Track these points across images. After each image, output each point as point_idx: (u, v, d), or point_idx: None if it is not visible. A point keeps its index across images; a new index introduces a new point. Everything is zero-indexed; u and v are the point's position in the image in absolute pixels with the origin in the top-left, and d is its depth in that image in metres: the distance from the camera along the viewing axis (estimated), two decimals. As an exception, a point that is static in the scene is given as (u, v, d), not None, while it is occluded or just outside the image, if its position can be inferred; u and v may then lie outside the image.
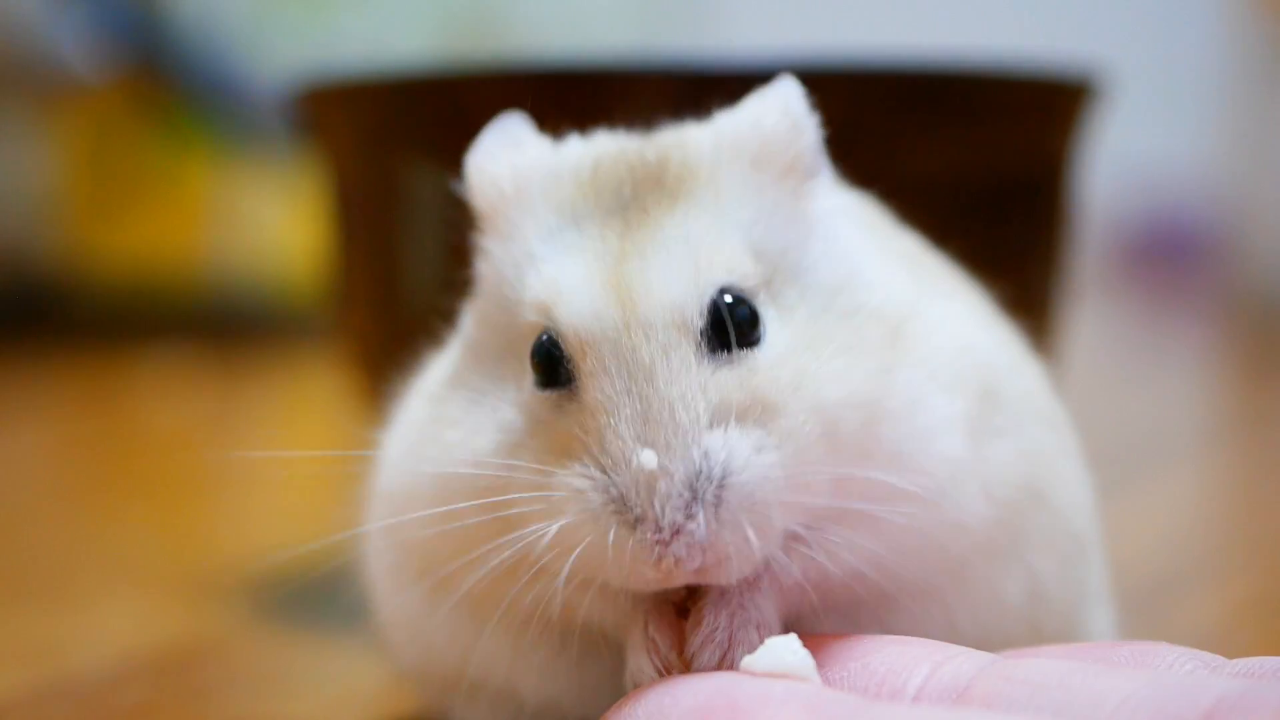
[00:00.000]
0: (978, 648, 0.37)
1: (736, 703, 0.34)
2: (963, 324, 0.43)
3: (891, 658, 0.37)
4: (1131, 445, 1.01)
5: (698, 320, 0.37)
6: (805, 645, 0.36)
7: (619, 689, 0.39)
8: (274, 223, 1.63)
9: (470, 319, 0.43)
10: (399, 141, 0.62)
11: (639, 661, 0.38)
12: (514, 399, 0.40)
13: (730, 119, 0.41)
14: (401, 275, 0.63)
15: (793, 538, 0.37)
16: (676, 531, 0.36)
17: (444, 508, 0.39)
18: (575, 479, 0.37)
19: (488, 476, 0.38)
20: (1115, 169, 1.34)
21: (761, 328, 0.38)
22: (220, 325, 1.61)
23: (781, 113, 0.41)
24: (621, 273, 0.38)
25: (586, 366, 0.37)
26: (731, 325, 0.38)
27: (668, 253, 0.38)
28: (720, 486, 0.36)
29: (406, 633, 0.45)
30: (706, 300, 0.38)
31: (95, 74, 1.59)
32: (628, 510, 0.36)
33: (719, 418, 0.37)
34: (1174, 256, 2.62)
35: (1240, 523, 0.89)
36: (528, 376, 0.39)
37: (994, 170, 0.60)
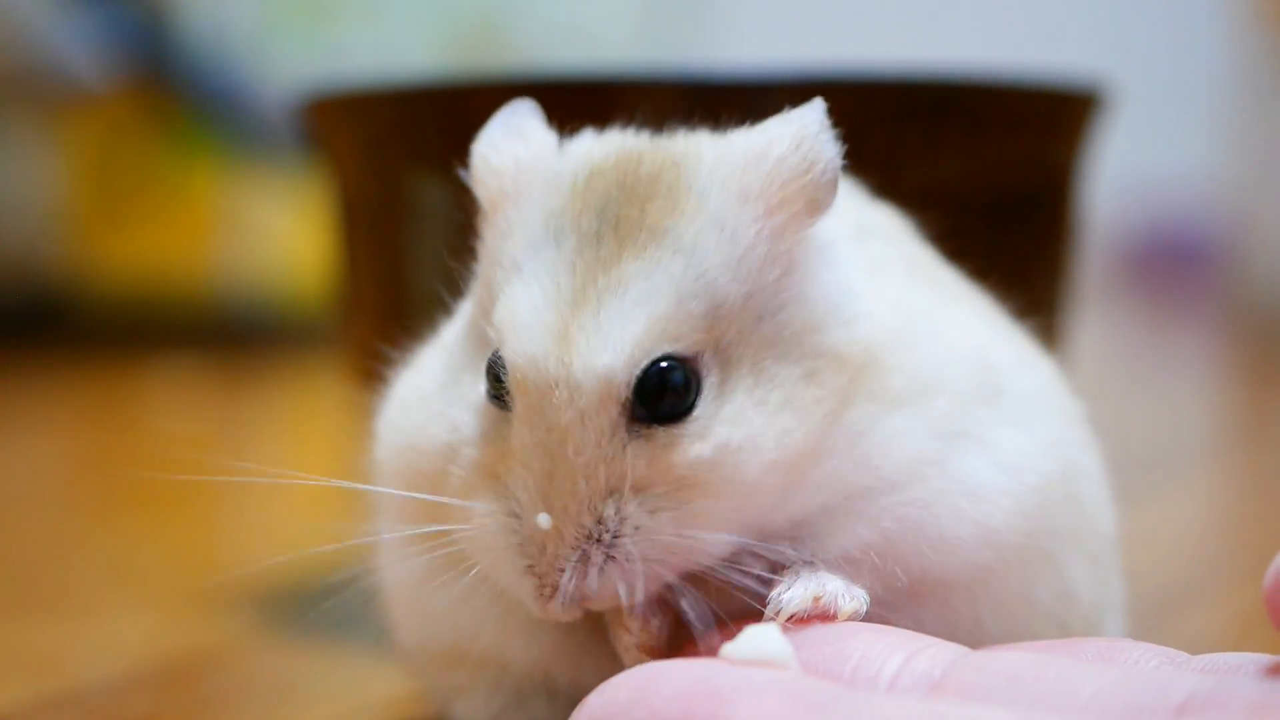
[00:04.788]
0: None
1: (718, 689, 0.34)
2: (962, 328, 0.42)
3: (866, 645, 0.37)
4: (1136, 455, 1.01)
5: (624, 391, 0.37)
6: (783, 632, 0.37)
7: (605, 648, 0.40)
8: (280, 233, 1.64)
9: (470, 299, 0.43)
10: (405, 152, 0.62)
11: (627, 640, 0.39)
12: (470, 397, 0.40)
13: (736, 141, 0.40)
14: (407, 285, 0.63)
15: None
16: (555, 588, 0.37)
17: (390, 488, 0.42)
18: (488, 514, 0.38)
19: (434, 465, 0.40)
20: (1119, 180, 1.34)
21: (695, 395, 0.38)
22: (226, 335, 1.62)
23: (793, 144, 0.39)
24: (570, 323, 0.37)
25: (517, 408, 0.38)
26: (657, 399, 0.37)
27: (619, 310, 0.37)
28: (610, 547, 0.37)
29: (406, 603, 0.45)
30: (639, 370, 0.37)
31: (102, 84, 1.59)
32: (522, 557, 0.38)
33: (618, 487, 0.37)
34: (1178, 267, 2.62)
35: (1246, 532, 0.89)
36: (483, 382, 0.40)
37: (999, 181, 0.60)
